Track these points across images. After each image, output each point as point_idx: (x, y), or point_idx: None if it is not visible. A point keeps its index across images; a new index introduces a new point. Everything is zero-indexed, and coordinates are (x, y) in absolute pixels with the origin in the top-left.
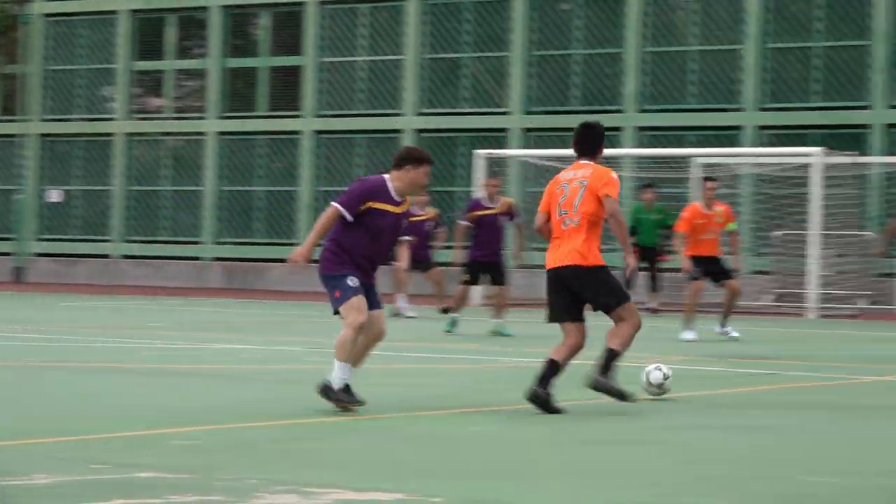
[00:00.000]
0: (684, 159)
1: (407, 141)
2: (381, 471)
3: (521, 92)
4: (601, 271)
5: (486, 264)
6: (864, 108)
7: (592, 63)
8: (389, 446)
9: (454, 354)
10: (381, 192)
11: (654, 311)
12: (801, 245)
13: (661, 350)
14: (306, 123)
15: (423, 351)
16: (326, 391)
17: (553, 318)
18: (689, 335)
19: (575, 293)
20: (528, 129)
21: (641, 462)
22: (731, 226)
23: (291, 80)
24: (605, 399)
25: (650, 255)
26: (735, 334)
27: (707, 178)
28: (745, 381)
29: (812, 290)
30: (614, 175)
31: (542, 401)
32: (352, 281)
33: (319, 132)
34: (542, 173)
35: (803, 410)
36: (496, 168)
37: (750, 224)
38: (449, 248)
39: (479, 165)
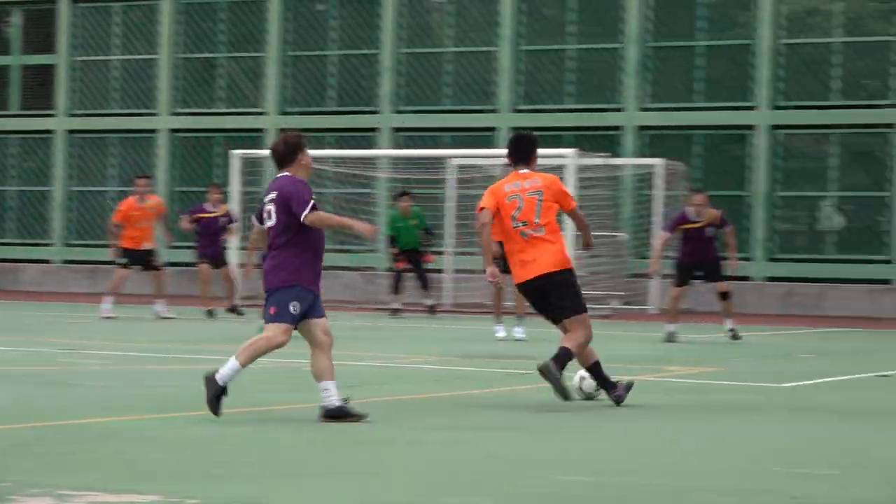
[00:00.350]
0: (440, 160)
1: (162, 141)
2: (138, 473)
3: (277, 92)
4: (571, 274)
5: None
6: (617, 110)
7: (348, 64)
8: (146, 448)
9: (214, 356)
10: None
11: (431, 309)
12: None
13: (419, 350)
14: (59, 123)
15: (182, 352)
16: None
17: (555, 318)
18: (501, 332)
19: (547, 296)
20: (284, 130)
21: (399, 462)
22: None
23: (44, 79)
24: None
25: (414, 256)
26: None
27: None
28: (501, 380)
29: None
30: (563, 185)
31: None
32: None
33: (72, 132)
34: None
35: (557, 411)
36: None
37: None
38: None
39: (236, 166)
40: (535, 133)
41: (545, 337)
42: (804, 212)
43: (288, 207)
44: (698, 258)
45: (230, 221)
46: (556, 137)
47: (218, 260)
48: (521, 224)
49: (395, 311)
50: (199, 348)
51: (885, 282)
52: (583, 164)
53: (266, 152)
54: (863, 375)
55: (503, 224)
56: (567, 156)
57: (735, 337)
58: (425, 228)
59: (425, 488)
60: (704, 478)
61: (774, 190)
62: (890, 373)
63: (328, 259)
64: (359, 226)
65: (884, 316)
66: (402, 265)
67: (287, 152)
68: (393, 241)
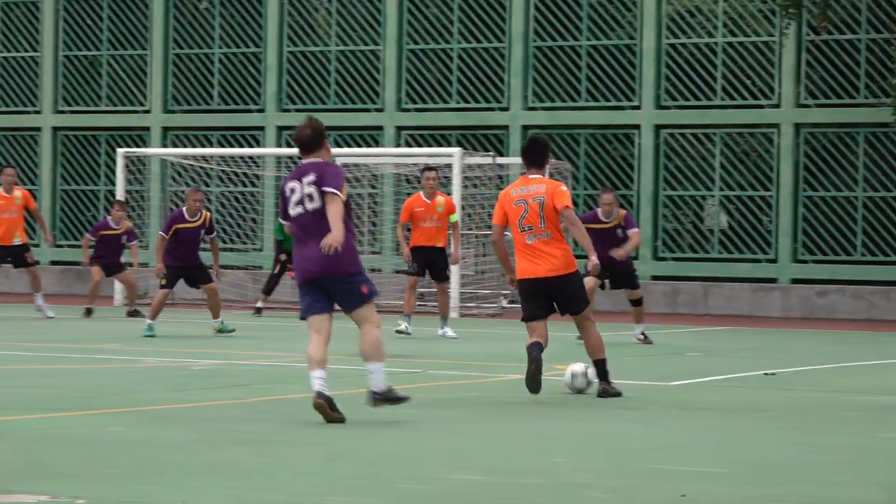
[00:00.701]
0: None
1: (45, 139)
2: (25, 472)
3: (161, 90)
4: (578, 276)
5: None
6: (502, 109)
7: (233, 62)
8: (33, 448)
9: (100, 355)
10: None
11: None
12: None
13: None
14: None
15: (68, 351)
16: (387, 397)
17: (530, 317)
18: (403, 326)
19: (551, 297)
20: (168, 128)
21: (286, 461)
22: (453, 217)
23: None
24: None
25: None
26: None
27: (427, 168)
28: (388, 379)
29: (453, 288)
30: (564, 187)
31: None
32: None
33: None
34: (182, 172)
35: (448, 409)
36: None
37: (393, 223)
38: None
39: (121, 164)
40: (420, 133)
41: (428, 336)
42: (689, 211)
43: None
44: (608, 260)
45: (131, 239)
46: (441, 137)
47: (114, 269)
48: (527, 229)
49: (258, 311)
50: (87, 347)
51: (769, 281)
52: (468, 163)
53: (151, 150)
54: (750, 374)
55: (512, 229)
56: (452, 155)
57: (647, 341)
58: None
59: (311, 487)
60: (594, 476)
61: (659, 189)
62: (776, 371)
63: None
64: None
65: (768, 315)
66: (290, 275)
67: (315, 136)
68: (280, 245)
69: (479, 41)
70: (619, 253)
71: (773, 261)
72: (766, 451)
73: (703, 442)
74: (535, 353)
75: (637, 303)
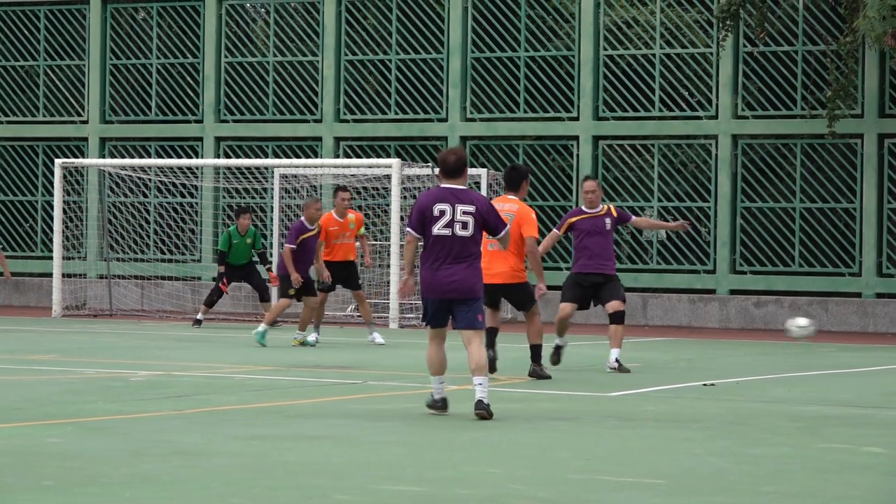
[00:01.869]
0: (265, 170)
1: None
2: None
3: (99, 101)
4: (528, 285)
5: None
6: (441, 120)
7: (171, 73)
8: None
9: (37, 366)
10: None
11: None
12: (384, 255)
13: (247, 360)
14: None
15: (3, 363)
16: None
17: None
18: (312, 337)
19: (504, 297)
20: (106, 139)
21: (220, 472)
22: (362, 230)
23: None
24: (186, 409)
25: (243, 271)
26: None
27: (340, 188)
28: (325, 391)
29: (393, 300)
30: (533, 216)
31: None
32: None
33: None
34: (120, 183)
35: (383, 420)
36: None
37: None
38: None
39: (59, 175)
40: (359, 144)
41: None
42: None
43: (486, 222)
44: (594, 265)
45: None
46: (379, 148)
47: None
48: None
49: (197, 322)
50: (23, 359)
51: (708, 291)
52: (406, 174)
53: (89, 161)
54: (688, 385)
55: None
56: (391, 166)
57: (622, 369)
58: (261, 251)
59: (243, 499)
60: (525, 486)
61: None
62: (715, 382)
63: (153, 269)
64: None
65: (707, 325)
66: (224, 287)
67: (464, 163)
68: (223, 257)
69: (417, 52)
70: (673, 225)
71: (712, 272)
72: (701, 461)
73: (638, 452)
74: (490, 337)
75: (617, 318)
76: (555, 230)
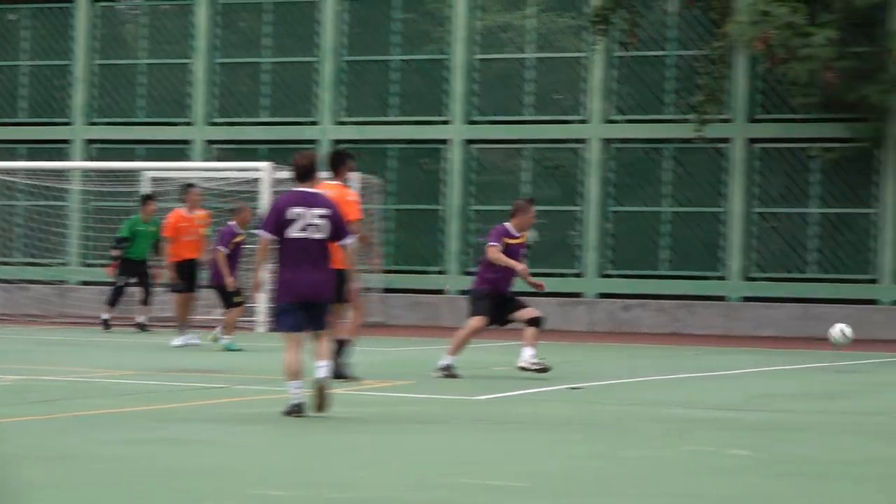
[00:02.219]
0: (134, 173)
1: None
2: None
3: None
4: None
5: None
6: (312, 123)
7: (40, 75)
8: None
9: None
10: None
11: (142, 326)
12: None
13: (119, 364)
14: None
15: None
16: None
17: None
18: (178, 341)
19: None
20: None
21: (88, 477)
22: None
23: None
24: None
25: (141, 268)
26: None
27: (190, 185)
28: (193, 395)
29: (261, 303)
30: (350, 197)
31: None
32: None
33: None
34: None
35: (252, 424)
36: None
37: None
38: None
39: None
40: (230, 147)
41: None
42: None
43: (336, 228)
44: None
45: None
46: (251, 150)
47: None
48: None
49: (106, 324)
50: None
51: (575, 295)
52: (277, 177)
53: None
54: (555, 388)
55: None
56: (262, 169)
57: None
58: (156, 241)
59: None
60: (395, 490)
61: (468, 204)
62: (582, 385)
63: (19, 272)
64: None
65: (574, 329)
66: (109, 271)
67: (315, 167)
68: (121, 242)
69: (290, 55)
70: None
71: (579, 275)
72: (568, 464)
73: (505, 456)
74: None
75: (536, 322)
76: (497, 245)
